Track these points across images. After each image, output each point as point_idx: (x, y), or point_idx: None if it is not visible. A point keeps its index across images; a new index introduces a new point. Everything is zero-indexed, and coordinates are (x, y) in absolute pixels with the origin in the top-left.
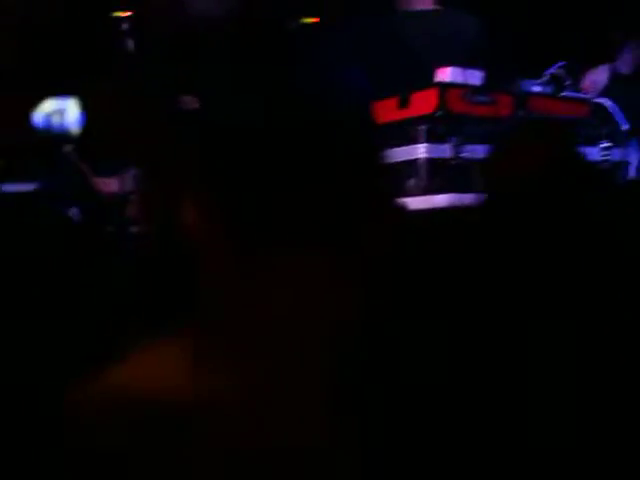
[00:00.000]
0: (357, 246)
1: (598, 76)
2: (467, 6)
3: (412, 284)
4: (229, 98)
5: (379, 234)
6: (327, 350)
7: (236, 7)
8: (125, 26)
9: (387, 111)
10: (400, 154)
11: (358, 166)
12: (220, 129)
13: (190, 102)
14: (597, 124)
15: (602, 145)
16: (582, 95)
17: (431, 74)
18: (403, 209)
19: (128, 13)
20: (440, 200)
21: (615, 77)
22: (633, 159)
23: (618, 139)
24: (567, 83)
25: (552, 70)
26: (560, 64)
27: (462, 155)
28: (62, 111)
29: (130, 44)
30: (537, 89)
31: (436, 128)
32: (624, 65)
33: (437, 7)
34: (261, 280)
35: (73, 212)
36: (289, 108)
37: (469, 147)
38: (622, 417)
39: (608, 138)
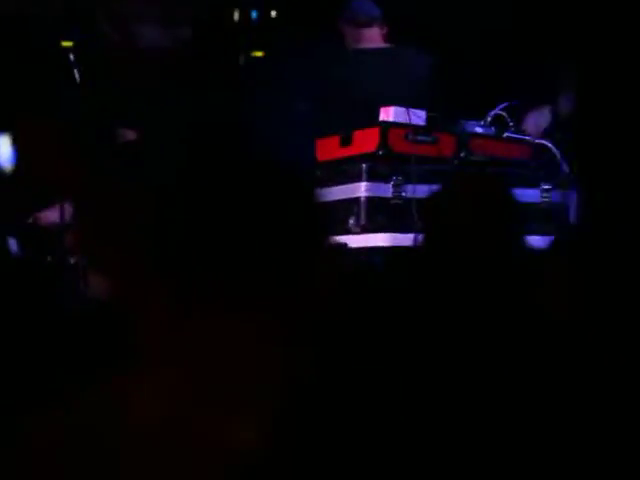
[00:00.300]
0: (293, 305)
1: (540, 118)
2: (416, 45)
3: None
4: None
5: (316, 293)
6: (260, 409)
7: (186, 40)
8: (71, 56)
9: (330, 149)
10: (341, 192)
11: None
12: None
13: (128, 134)
14: (538, 166)
15: (543, 187)
16: (524, 137)
17: (377, 112)
18: (340, 250)
19: (72, 43)
20: (380, 239)
21: (557, 119)
22: (573, 201)
23: (558, 181)
24: (510, 124)
25: (495, 111)
26: (503, 105)
27: (403, 194)
28: None
29: (76, 75)
30: (479, 130)
31: (377, 167)
32: (566, 107)
33: (387, 45)
34: (196, 339)
35: (11, 243)
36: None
37: (410, 186)
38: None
39: (549, 180)
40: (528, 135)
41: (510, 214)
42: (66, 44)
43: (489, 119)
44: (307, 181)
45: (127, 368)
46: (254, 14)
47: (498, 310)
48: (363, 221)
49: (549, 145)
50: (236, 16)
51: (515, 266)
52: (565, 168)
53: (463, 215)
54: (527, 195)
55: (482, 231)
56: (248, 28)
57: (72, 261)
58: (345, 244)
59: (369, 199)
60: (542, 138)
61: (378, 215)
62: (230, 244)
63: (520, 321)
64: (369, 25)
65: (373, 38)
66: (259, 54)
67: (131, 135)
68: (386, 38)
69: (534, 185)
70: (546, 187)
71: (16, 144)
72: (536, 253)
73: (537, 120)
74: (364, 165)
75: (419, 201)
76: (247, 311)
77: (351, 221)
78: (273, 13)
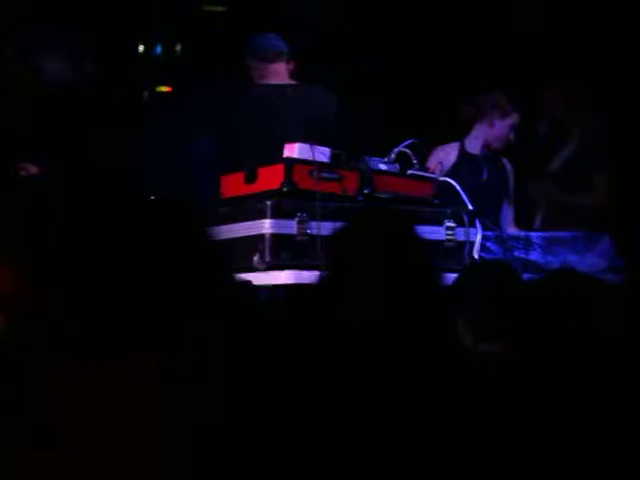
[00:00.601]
0: (187, 347)
1: (445, 155)
2: (321, 83)
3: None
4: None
5: (212, 332)
6: (153, 449)
7: (92, 73)
8: None
9: (234, 185)
10: (246, 229)
11: (191, 266)
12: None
13: (28, 168)
14: (442, 203)
15: (446, 224)
16: (428, 174)
17: (281, 149)
18: (243, 289)
19: None
20: (284, 277)
21: (463, 156)
22: (477, 239)
23: (462, 219)
24: (414, 161)
25: (399, 148)
26: (408, 142)
27: (308, 231)
28: None
29: None
30: (383, 167)
31: (282, 204)
32: (472, 144)
33: (291, 82)
34: (91, 380)
35: None
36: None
37: (315, 223)
38: None
39: (452, 218)
40: (432, 172)
41: (417, 249)
42: None
43: (393, 156)
44: (201, 218)
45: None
46: (158, 48)
47: (412, 348)
48: (268, 258)
49: (453, 183)
50: (140, 50)
51: (432, 304)
52: (469, 206)
53: (369, 250)
54: (431, 232)
55: (390, 265)
56: (152, 63)
57: None
58: (249, 281)
59: (274, 236)
60: (447, 175)
61: (283, 252)
62: (128, 286)
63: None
64: (275, 60)
65: (279, 73)
66: (163, 89)
67: (33, 169)
68: (292, 74)
69: (438, 223)
70: (450, 224)
71: None
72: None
73: (442, 157)
74: (268, 202)
75: (324, 238)
76: (148, 352)
77: (256, 258)
78: (178, 47)
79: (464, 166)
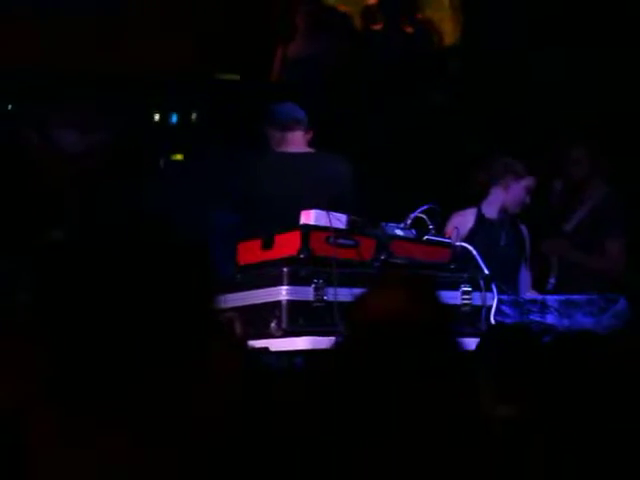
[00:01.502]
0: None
1: (463, 220)
2: (338, 151)
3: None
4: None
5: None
6: None
7: (105, 144)
8: None
9: (251, 252)
10: (263, 296)
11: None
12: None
13: (55, 234)
14: (458, 268)
15: (463, 289)
16: (445, 239)
17: (297, 216)
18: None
19: None
20: (301, 343)
21: (480, 221)
22: (493, 303)
23: (479, 284)
24: (430, 227)
25: (416, 213)
26: (424, 207)
27: (325, 298)
28: None
29: None
30: (400, 233)
31: (299, 270)
32: (488, 209)
33: (309, 150)
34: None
35: None
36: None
37: (332, 290)
38: None
39: (469, 282)
40: (449, 237)
41: (441, 314)
42: None
43: (409, 222)
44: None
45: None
46: (174, 117)
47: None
48: (284, 324)
49: (469, 247)
50: (156, 118)
51: (452, 367)
52: (485, 271)
53: (393, 316)
54: (448, 297)
55: (412, 331)
56: (168, 131)
57: None
58: (266, 348)
59: (290, 302)
60: (463, 240)
61: (299, 318)
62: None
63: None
64: (292, 129)
65: (296, 142)
66: (179, 157)
67: (58, 235)
68: (309, 142)
69: (454, 287)
70: (466, 289)
71: None
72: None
73: (459, 222)
74: (285, 269)
75: (341, 304)
76: (139, 429)
77: (272, 324)
78: (193, 116)
79: (481, 232)
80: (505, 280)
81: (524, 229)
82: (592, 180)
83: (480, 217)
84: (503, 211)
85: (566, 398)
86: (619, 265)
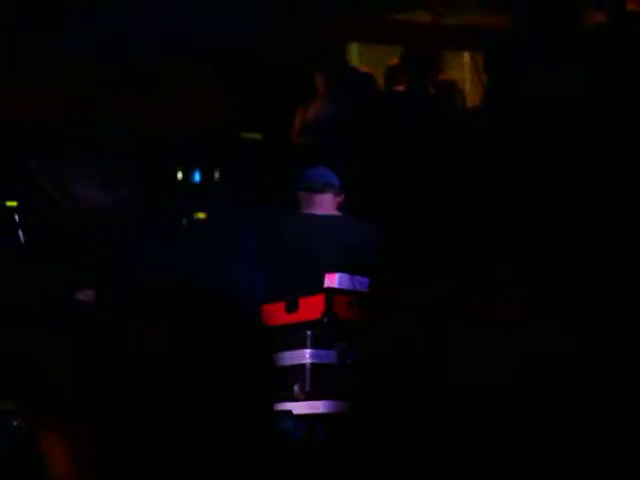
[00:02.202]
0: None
1: None
2: (365, 214)
3: None
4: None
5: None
6: None
7: (130, 201)
8: (16, 217)
9: (275, 315)
10: (287, 358)
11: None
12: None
13: (88, 295)
14: None
15: None
16: None
17: (321, 278)
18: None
19: (17, 203)
20: (325, 406)
21: None
22: None
23: None
24: None
25: None
26: None
27: (348, 361)
28: None
29: (20, 235)
30: None
31: (322, 333)
32: None
33: (337, 213)
34: None
35: None
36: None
37: (355, 353)
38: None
39: None
40: None
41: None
42: (10, 204)
43: None
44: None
45: None
46: (197, 175)
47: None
48: (308, 387)
49: None
50: (179, 177)
51: None
52: None
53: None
54: None
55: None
56: (191, 189)
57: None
58: (290, 411)
59: (314, 365)
60: None
61: (323, 382)
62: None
63: None
64: (322, 191)
65: (324, 204)
66: (202, 215)
67: (90, 295)
68: (340, 206)
69: None
70: None
71: None
72: None
73: None
74: (309, 332)
75: None
76: None
77: (296, 387)
78: (216, 174)
79: None
80: None
81: None
82: None
83: None
84: None
85: None
86: None
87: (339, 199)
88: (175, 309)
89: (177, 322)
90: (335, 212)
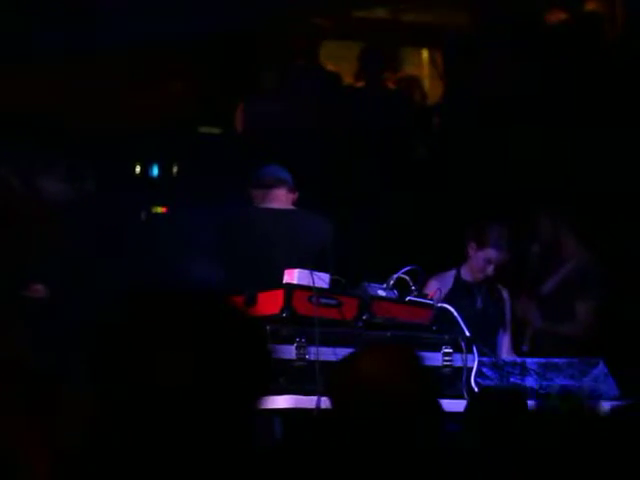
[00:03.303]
0: None
1: (441, 282)
2: (321, 208)
3: None
4: None
5: None
6: None
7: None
8: None
9: None
10: None
11: None
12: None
13: (37, 290)
14: (440, 329)
15: (444, 350)
16: (426, 300)
17: (281, 273)
18: None
19: None
20: (282, 401)
21: (458, 283)
22: (474, 365)
23: (460, 345)
24: (412, 288)
25: (397, 274)
26: (406, 269)
27: (307, 357)
28: None
29: None
30: (382, 293)
31: (281, 329)
32: (466, 273)
33: (291, 207)
34: None
35: None
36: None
37: (314, 349)
38: None
39: (450, 344)
40: (431, 298)
41: (426, 380)
42: None
43: (392, 282)
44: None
45: None
46: (155, 169)
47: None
48: None
49: (450, 309)
50: (137, 171)
51: (434, 434)
52: (465, 332)
53: (371, 383)
54: (428, 358)
55: (397, 397)
56: (149, 183)
57: None
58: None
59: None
60: (443, 302)
61: (281, 377)
62: None
63: None
64: (274, 186)
65: (279, 198)
66: (160, 210)
67: (40, 291)
68: (294, 202)
69: (435, 349)
70: (447, 350)
71: None
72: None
73: (440, 283)
74: (268, 327)
75: (323, 364)
76: None
77: None
78: (175, 168)
79: (458, 294)
80: (483, 343)
81: (505, 293)
82: (567, 245)
83: (458, 279)
84: (479, 275)
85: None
86: (587, 328)
87: (293, 195)
88: (172, 307)
89: (176, 322)
90: (290, 206)
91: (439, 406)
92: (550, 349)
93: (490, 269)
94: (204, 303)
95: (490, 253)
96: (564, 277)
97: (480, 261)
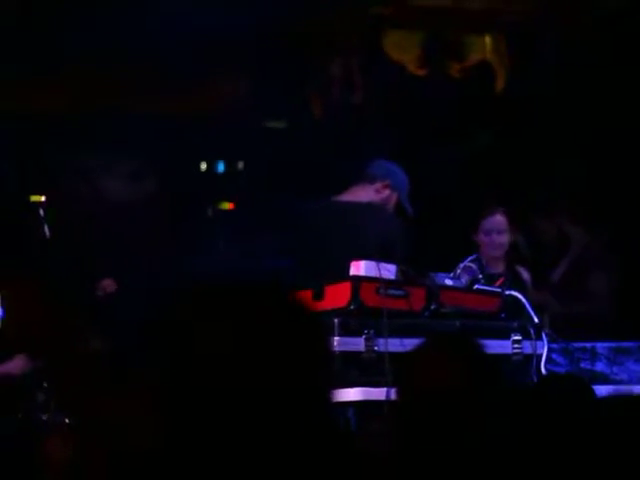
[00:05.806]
0: None
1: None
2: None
3: None
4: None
5: None
6: None
7: (151, 193)
8: (41, 211)
9: None
10: None
11: None
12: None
13: (108, 285)
14: (508, 317)
15: (513, 338)
16: (494, 288)
17: (347, 266)
18: None
19: (43, 198)
20: (352, 394)
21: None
22: (543, 352)
23: (529, 332)
24: (479, 276)
25: (464, 263)
26: (473, 257)
27: (375, 348)
28: None
29: (46, 230)
30: (449, 282)
31: (349, 321)
32: (486, 261)
33: (361, 200)
34: None
35: None
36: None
37: (382, 340)
38: None
39: (519, 331)
40: (499, 287)
41: (484, 374)
42: (35, 199)
43: (459, 271)
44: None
45: None
46: (221, 166)
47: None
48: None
49: (519, 296)
50: (203, 168)
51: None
52: (535, 319)
53: (438, 377)
54: (497, 346)
55: (458, 392)
56: (215, 180)
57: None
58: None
59: (341, 353)
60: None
61: (350, 369)
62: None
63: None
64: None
65: (354, 192)
66: (226, 206)
67: (111, 285)
68: (378, 192)
69: (504, 336)
70: (516, 338)
71: (5, 303)
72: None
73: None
74: (336, 320)
75: (392, 355)
76: None
77: None
78: (240, 165)
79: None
80: None
81: (524, 272)
82: (573, 231)
83: (481, 266)
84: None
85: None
86: (604, 302)
87: (376, 187)
88: (237, 304)
89: (241, 318)
90: (361, 199)
91: (501, 396)
92: (570, 332)
93: (498, 239)
94: (267, 299)
95: (486, 224)
96: (572, 260)
97: (484, 237)
